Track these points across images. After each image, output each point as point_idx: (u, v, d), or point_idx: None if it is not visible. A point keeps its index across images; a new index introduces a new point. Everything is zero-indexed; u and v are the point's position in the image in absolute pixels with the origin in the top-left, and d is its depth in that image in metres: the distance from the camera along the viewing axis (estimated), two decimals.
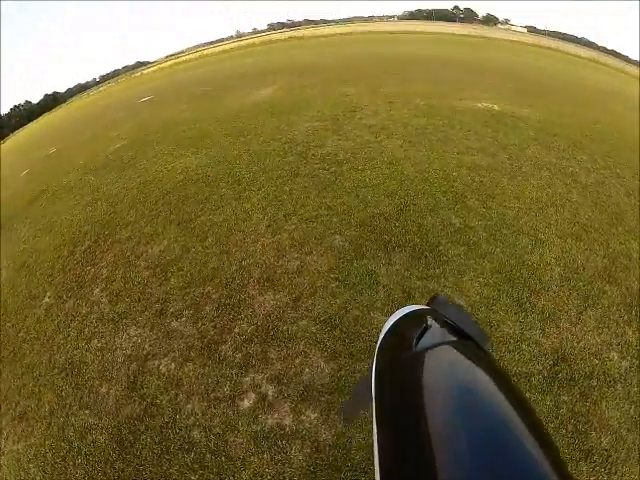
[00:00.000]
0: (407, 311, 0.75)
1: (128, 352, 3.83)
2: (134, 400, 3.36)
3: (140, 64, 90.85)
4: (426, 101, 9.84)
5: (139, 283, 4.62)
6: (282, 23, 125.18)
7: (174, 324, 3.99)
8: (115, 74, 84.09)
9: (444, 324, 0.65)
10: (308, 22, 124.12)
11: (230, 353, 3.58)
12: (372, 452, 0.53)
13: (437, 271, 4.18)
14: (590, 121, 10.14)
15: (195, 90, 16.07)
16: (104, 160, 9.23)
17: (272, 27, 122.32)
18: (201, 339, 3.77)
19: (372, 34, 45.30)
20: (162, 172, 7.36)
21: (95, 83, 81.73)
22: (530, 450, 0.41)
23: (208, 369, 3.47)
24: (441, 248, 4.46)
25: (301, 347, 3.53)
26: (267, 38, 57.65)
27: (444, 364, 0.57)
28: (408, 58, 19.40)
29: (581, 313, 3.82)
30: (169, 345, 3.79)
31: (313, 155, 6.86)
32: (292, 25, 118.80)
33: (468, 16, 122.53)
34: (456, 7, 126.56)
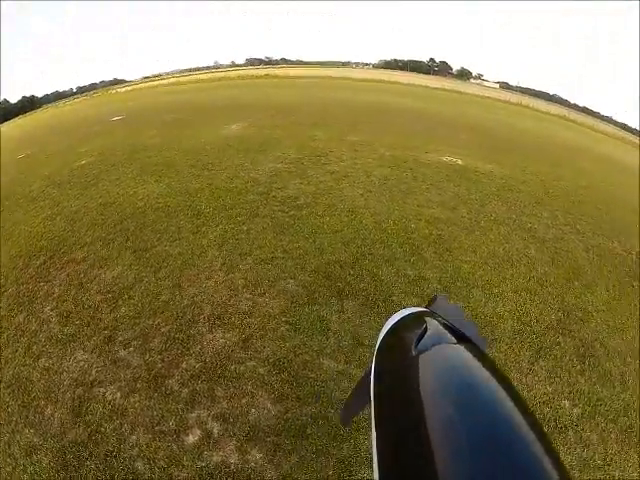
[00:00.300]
0: (406, 313, 0.75)
1: (75, 376, 3.78)
2: (79, 425, 3.33)
3: (117, 81, 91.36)
4: (392, 152, 10.11)
5: (90, 307, 4.58)
6: (260, 59, 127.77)
7: (122, 353, 3.97)
8: (92, 87, 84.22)
9: (443, 326, 0.65)
10: (285, 61, 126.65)
11: (177, 388, 3.57)
12: (371, 454, 0.53)
13: None
14: (554, 178, 10.54)
15: (166, 116, 16.16)
16: (69, 174, 9.16)
17: (250, 62, 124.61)
18: (148, 371, 3.75)
19: (347, 80, 46.28)
20: (123, 196, 7.36)
21: (72, 93, 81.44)
22: (530, 452, 0.42)
23: (154, 402, 3.45)
24: (394, 298, 4.56)
25: (249, 387, 3.54)
26: (244, 73, 58.51)
27: (443, 366, 0.58)
28: (379, 107, 19.92)
29: (533, 364, 3.98)
30: (115, 374, 3.75)
31: (274, 197, 6.97)
32: (269, 63, 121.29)
33: (442, 69, 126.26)
34: (432, 59, 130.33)
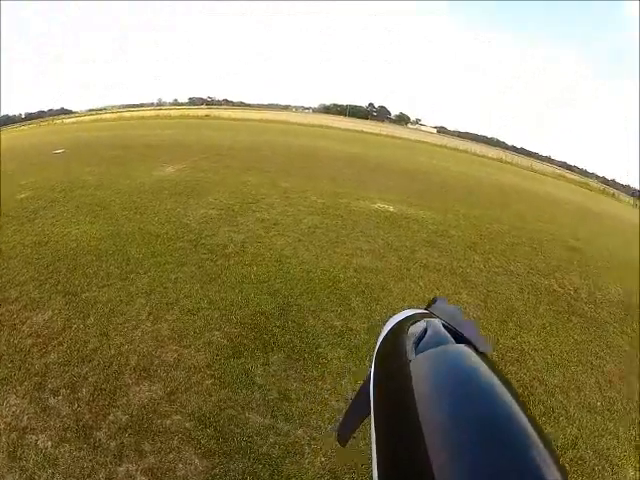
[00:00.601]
0: (405, 315, 0.75)
1: (8, 420, 3.69)
2: (15, 470, 3.24)
3: (64, 111, 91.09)
4: (323, 199, 10.30)
5: (21, 350, 4.47)
6: (202, 99, 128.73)
7: (52, 401, 3.87)
8: (40, 115, 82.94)
9: (443, 328, 0.65)
10: (227, 102, 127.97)
11: (105, 440, 3.49)
12: (371, 456, 0.54)
13: (315, 373, 4.29)
14: (488, 221, 10.91)
15: (106, 153, 16.02)
16: (6, 207, 8.86)
17: (193, 101, 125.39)
18: (77, 421, 3.66)
19: (285, 124, 47.00)
20: (58, 236, 7.20)
21: (21, 119, 79.73)
22: (530, 453, 0.42)
23: (84, 453, 3.37)
24: (321, 350, 4.59)
25: (175, 442, 3.50)
26: (185, 112, 59.13)
27: (443, 367, 0.58)
28: (314, 152, 20.30)
29: None
30: (46, 422, 3.67)
31: (203, 244, 6.97)
32: (211, 103, 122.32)
33: (381, 114, 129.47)
34: (370, 104, 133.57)
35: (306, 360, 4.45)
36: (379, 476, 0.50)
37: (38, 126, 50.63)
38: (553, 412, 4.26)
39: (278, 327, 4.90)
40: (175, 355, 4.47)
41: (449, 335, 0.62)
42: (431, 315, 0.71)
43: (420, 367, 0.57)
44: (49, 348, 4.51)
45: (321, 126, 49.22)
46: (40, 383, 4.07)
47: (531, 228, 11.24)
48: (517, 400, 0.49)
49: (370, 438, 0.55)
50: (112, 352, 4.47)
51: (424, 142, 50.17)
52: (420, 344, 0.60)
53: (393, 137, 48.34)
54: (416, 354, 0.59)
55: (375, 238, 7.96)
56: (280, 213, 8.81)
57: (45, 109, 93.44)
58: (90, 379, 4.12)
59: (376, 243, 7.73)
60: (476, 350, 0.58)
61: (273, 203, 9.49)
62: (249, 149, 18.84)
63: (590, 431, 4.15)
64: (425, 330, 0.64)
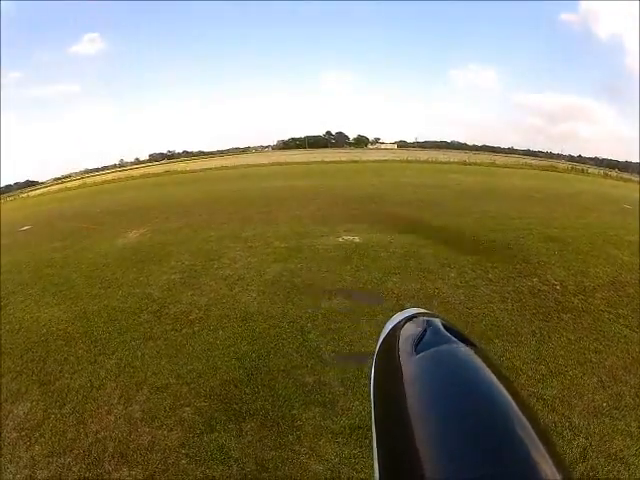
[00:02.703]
0: (406, 314, 0.74)
1: None
2: None
3: (30, 183, 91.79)
4: (286, 242, 10.23)
5: (9, 444, 4.41)
6: (162, 154, 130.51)
7: None
8: (8, 189, 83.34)
9: (444, 327, 0.65)
10: (187, 153, 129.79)
11: None
12: (371, 456, 0.54)
13: (291, 438, 4.13)
14: (458, 230, 10.99)
15: (70, 225, 16.11)
16: None
17: (153, 157, 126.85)
18: None
19: (246, 167, 47.55)
20: (28, 321, 7.09)
21: None
22: (532, 452, 0.42)
23: None
24: (294, 412, 4.42)
25: None
26: (145, 171, 60.16)
27: (443, 366, 0.57)
28: (273, 193, 20.40)
29: None
30: None
31: (167, 314, 6.82)
32: (172, 156, 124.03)
33: (339, 140, 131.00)
34: (328, 132, 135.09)
35: (280, 425, 4.29)
36: (380, 475, 0.51)
37: (5, 201, 50.93)
38: (556, 427, 4.09)
39: (248, 394, 4.75)
40: (149, 437, 4.34)
41: (449, 334, 0.62)
42: (433, 314, 0.71)
43: (420, 366, 0.57)
44: (32, 440, 4.44)
45: (280, 164, 49.88)
46: (30, 475, 4.02)
47: (504, 227, 11.32)
48: (518, 399, 0.49)
49: (371, 436, 0.55)
50: (90, 440, 4.37)
51: (384, 161, 50.90)
52: (420, 343, 0.61)
53: (353, 162, 48.94)
54: (416, 353, 0.59)
55: (343, 275, 7.86)
56: (243, 266, 8.70)
57: (12, 182, 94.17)
58: (74, 468, 4.04)
59: (344, 281, 7.62)
60: (477, 349, 0.59)
61: (235, 257, 9.38)
62: (208, 202, 18.96)
63: (599, 437, 4.00)
64: (425, 329, 0.64)
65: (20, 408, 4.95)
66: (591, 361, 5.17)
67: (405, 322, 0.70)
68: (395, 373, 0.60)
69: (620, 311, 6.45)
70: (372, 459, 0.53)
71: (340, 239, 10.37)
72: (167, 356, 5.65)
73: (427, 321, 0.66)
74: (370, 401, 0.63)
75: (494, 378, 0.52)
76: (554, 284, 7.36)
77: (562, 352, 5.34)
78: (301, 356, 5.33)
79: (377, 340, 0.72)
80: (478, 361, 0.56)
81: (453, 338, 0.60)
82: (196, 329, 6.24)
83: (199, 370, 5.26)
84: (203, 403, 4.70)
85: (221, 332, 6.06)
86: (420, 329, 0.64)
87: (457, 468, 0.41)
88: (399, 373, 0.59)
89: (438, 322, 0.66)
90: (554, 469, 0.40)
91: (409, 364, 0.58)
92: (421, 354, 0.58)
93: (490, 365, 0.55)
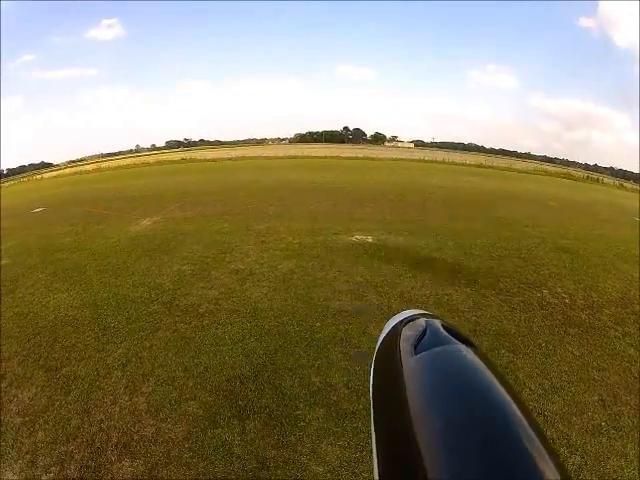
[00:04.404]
0: (406, 315, 0.73)
1: None
2: None
3: (45, 165, 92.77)
4: (299, 238, 10.29)
5: (12, 429, 4.46)
6: (179, 142, 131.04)
7: (44, 478, 3.90)
8: (22, 170, 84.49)
9: (444, 328, 0.64)
10: (203, 142, 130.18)
11: None
12: (371, 457, 0.54)
13: (293, 438, 4.16)
14: (472, 236, 10.97)
15: (83, 209, 16.28)
16: None
17: (170, 145, 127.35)
18: None
19: (262, 159, 47.60)
20: (37, 306, 7.14)
21: (2, 174, 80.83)
22: (530, 454, 0.42)
23: None
24: (299, 412, 4.45)
25: None
26: (162, 157, 61.54)
27: (442, 367, 0.57)
28: (289, 186, 20.54)
29: None
30: None
31: (177, 305, 6.86)
32: (188, 145, 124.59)
33: (357, 136, 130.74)
34: (345, 128, 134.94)
35: (284, 425, 4.33)
36: (380, 476, 0.51)
37: (19, 182, 51.23)
38: (554, 443, 4.09)
39: (253, 391, 4.79)
40: (153, 430, 4.38)
41: (449, 335, 0.62)
42: (432, 315, 0.71)
43: (420, 367, 0.57)
44: (36, 427, 4.49)
45: (296, 157, 49.84)
46: (32, 461, 4.08)
47: (517, 235, 11.33)
48: (517, 400, 0.50)
49: (370, 437, 0.56)
50: (94, 429, 4.41)
51: (401, 159, 50.93)
52: (420, 344, 0.61)
53: (369, 159, 48.95)
54: (416, 354, 0.59)
55: (354, 276, 7.87)
56: (255, 261, 8.74)
57: (26, 163, 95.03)
58: (76, 456, 4.09)
59: (355, 282, 7.63)
60: (477, 350, 0.58)
61: (248, 251, 9.43)
62: (223, 192, 19.04)
63: (595, 456, 4.00)
64: (425, 330, 0.64)
65: (25, 393, 4.99)
66: (594, 379, 5.18)
67: (405, 323, 0.70)
68: (395, 373, 0.60)
69: (626, 329, 6.44)
70: (372, 459, 0.53)
71: (353, 238, 10.41)
72: (175, 348, 5.69)
73: (427, 321, 0.67)
74: (369, 401, 0.64)
75: (494, 379, 0.53)
76: (563, 297, 7.34)
77: (566, 367, 5.33)
78: (308, 356, 5.35)
79: (377, 340, 0.72)
80: (478, 362, 0.56)
81: (453, 339, 0.61)
82: (205, 323, 6.27)
83: (206, 364, 5.29)
84: (208, 398, 4.74)
85: (230, 327, 6.09)
86: (420, 329, 0.64)
87: (457, 469, 0.42)
88: (399, 373, 0.59)
89: (438, 323, 0.66)
90: (553, 470, 0.41)
91: (409, 364, 0.59)
92: (421, 354, 0.59)
93: (490, 366, 0.56)
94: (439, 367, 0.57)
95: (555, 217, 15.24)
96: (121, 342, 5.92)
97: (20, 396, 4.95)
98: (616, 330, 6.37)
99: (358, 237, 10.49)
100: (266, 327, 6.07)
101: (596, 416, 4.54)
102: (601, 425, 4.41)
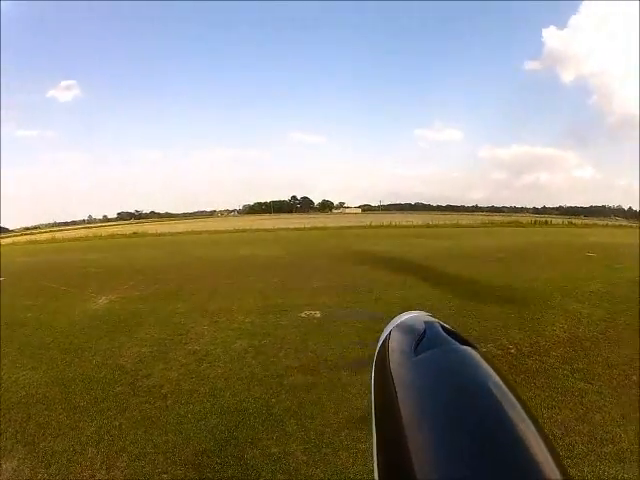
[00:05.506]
0: (406, 316, 0.78)
1: None
2: None
3: (1, 229, 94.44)
4: (251, 317, 10.71)
5: None
6: (131, 213, 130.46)
7: None
8: None
9: (443, 329, 0.68)
10: (154, 214, 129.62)
11: None
12: (371, 457, 0.55)
13: None
14: (421, 298, 11.80)
15: (42, 282, 16.35)
16: None
17: (121, 216, 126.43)
18: None
19: (211, 234, 47.89)
20: (7, 382, 7.31)
21: None
22: (532, 454, 0.43)
23: None
24: None
25: None
26: (114, 230, 62.20)
27: (443, 368, 0.59)
28: (241, 261, 21.23)
29: None
30: None
31: (140, 386, 7.16)
32: (139, 217, 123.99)
33: (305, 204, 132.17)
34: (293, 197, 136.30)
35: None
36: (379, 476, 0.52)
37: None
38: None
39: (219, 464, 5.15)
40: None
41: (449, 336, 0.65)
42: (432, 316, 0.76)
43: (420, 368, 0.60)
44: None
45: (245, 230, 50.20)
46: None
47: (462, 294, 12.07)
48: (518, 401, 0.51)
49: (371, 438, 0.58)
50: None
51: (347, 227, 51.72)
52: (420, 345, 0.64)
53: (317, 228, 49.81)
54: (416, 355, 0.62)
55: (304, 352, 8.28)
56: (210, 342, 9.10)
57: None
58: None
59: (306, 357, 8.04)
60: (477, 351, 0.61)
61: (202, 332, 9.79)
62: (176, 269, 19.41)
63: None
64: (425, 331, 0.67)
65: (9, 464, 5.20)
66: (542, 416, 5.55)
67: (405, 324, 0.75)
68: (395, 375, 0.62)
69: (575, 365, 6.86)
70: (372, 460, 0.55)
71: (302, 314, 10.86)
72: (143, 427, 6.00)
73: (426, 323, 0.70)
74: (370, 402, 0.66)
75: (493, 379, 0.54)
76: (509, 348, 7.76)
77: None
78: (266, 429, 5.76)
79: (377, 342, 0.76)
80: (477, 362, 0.58)
81: (452, 340, 0.63)
82: (169, 403, 6.61)
83: (173, 441, 5.65)
84: (179, 471, 5.08)
85: (192, 406, 6.45)
86: (420, 331, 0.67)
87: (457, 470, 0.43)
88: (399, 375, 0.62)
89: (437, 324, 0.70)
90: (553, 470, 0.42)
91: (409, 366, 0.61)
92: (421, 356, 0.61)
93: (490, 366, 0.58)
94: (439, 368, 0.60)
95: (501, 268, 16.09)
96: (92, 421, 6.16)
97: (4, 466, 5.17)
98: (564, 369, 6.77)
99: (307, 312, 10.95)
100: (225, 405, 6.43)
101: None
102: None
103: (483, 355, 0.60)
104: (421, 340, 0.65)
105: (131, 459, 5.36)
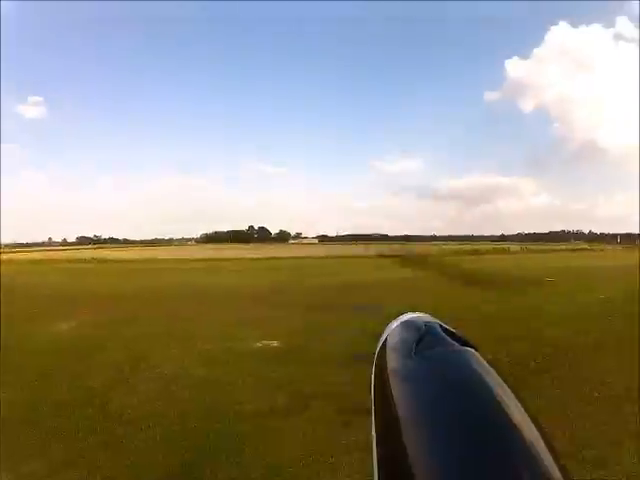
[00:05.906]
0: (406, 318, 0.78)
1: None
2: None
3: None
4: (209, 345, 11.10)
5: None
6: (89, 238, 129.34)
7: None
8: None
9: (443, 330, 0.68)
10: (112, 240, 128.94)
11: None
12: (371, 458, 0.56)
13: None
14: (373, 328, 11.61)
15: (5, 308, 16.00)
16: None
17: (80, 240, 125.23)
18: None
19: (169, 262, 48.76)
20: None
21: None
22: (532, 456, 0.44)
23: None
24: None
25: None
26: (73, 255, 64.08)
27: (442, 369, 0.60)
28: (200, 291, 21.91)
29: None
30: None
31: (108, 411, 7.39)
32: (98, 242, 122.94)
33: (262, 234, 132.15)
34: (250, 227, 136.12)
35: None
36: (379, 477, 0.53)
37: None
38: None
39: None
40: None
41: (449, 337, 0.66)
42: (432, 318, 0.76)
43: (420, 369, 0.61)
44: None
45: (203, 259, 50.54)
46: None
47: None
48: (518, 402, 0.53)
49: (371, 439, 0.59)
50: None
51: (302, 257, 53.72)
52: (420, 346, 0.64)
53: (274, 258, 51.60)
54: (416, 356, 0.63)
55: (264, 380, 8.47)
56: (170, 369, 9.37)
57: None
58: None
59: (265, 385, 8.23)
60: (477, 352, 0.62)
61: (163, 359, 10.09)
62: (133, 297, 19.85)
63: None
64: (425, 332, 0.68)
65: None
66: None
67: (405, 325, 0.75)
68: (395, 375, 0.63)
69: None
70: (372, 460, 0.56)
71: (259, 343, 11.21)
72: (112, 450, 6.20)
73: (426, 324, 0.70)
74: (370, 403, 0.66)
75: (493, 380, 0.55)
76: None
77: None
78: (228, 462, 5.85)
79: (377, 343, 0.76)
80: (477, 363, 0.58)
81: (452, 341, 0.64)
82: (135, 427, 6.79)
83: (142, 463, 5.85)
84: None
85: (158, 429, 6.66)
86: (420, 332, 0.68)
87: (457, 470, 0.44)
88: (399, 375, 0.63)
89: (437, 325, 0.70)
90: (553, 470, 0.42)
91: (409, 366, 0.62)
92: (421, 356, 0.62)
93: (489, 367, 0.58)
94: (439, 369, 0.61)
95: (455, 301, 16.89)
96: (62, 442, 6.31)
97: None
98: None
99: (264, 342, 11.27)
100: (190, 428, 6.68)
101: None
102: None
103: (483, 356, 0.62)
104: (421, 340, 0.66)
105: None
